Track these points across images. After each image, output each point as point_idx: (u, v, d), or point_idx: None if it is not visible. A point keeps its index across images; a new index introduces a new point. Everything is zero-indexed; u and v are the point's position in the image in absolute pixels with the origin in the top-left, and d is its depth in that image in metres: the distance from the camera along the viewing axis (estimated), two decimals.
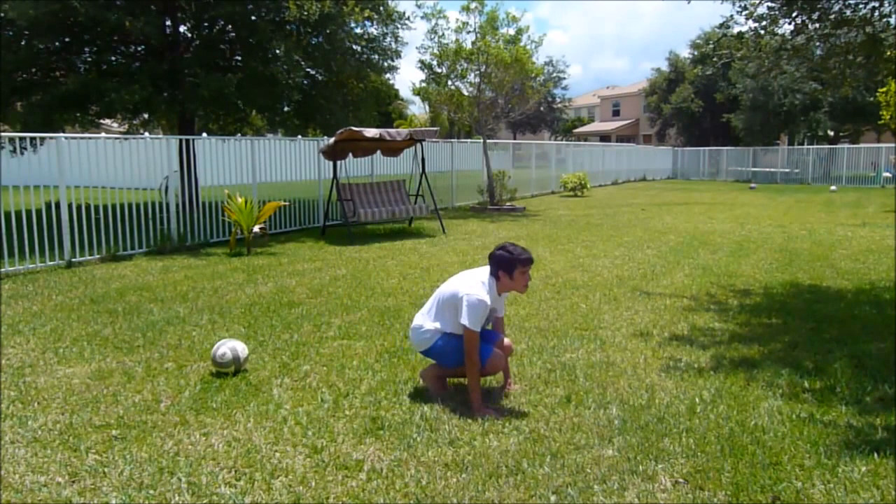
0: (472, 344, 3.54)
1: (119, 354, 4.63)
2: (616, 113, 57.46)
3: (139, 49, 13.01)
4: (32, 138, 8.81)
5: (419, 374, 4.01)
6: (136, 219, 9.24)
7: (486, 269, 3.73)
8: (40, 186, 8.33)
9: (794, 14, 6.83)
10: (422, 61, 16.15)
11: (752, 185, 26.58)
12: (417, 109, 47.50)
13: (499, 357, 3.71)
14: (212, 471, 2.95)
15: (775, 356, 4.49)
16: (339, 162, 10.99)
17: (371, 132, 10.36)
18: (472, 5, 15.47)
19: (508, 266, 3.60)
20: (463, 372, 3.67)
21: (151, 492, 2.79)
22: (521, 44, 15.66)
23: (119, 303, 6.20)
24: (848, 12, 6.67)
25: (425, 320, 3.79)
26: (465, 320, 3.52)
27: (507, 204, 16.51)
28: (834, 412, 3.54)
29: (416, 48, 29.83)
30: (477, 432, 3.31)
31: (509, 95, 16.58)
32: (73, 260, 8.22)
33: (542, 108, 48.75)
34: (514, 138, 48.80)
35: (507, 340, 3.98)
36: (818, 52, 7.43)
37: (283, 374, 4.20)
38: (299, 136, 13.27)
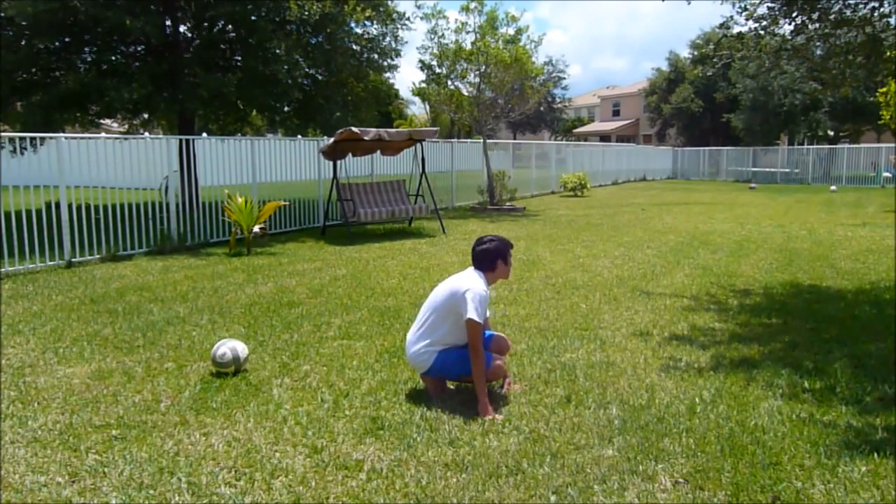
0: (478, 336, 3.53)
1: (119, 354, 4.63)
2: (616, 113, 57.45)
3: (139, 48, 13.01)
4: (32, 138, 8.81)
5: (420, 374, 4.00)
6: (136, 219, 9.24)
7: (470, 269, 3.81)
8: (40, 186, 8.33)
9: (794, 14, 6.83)
10: (422, 61, 16.15)
11: (752, 185, 26.57)
12: (417, 109, 47.57)
13: (499, 366, 3.73)
14: (212, 471, 2.95)
15: (775, 356, 4.49)
16: (339, 162, 10.99)
17: (371, 132, 10.36)
18: (472, 5, 15.47)
19: (503, 253, 3.77)
20: (468, 379, 3.66)
21: (151, 492, 2.79)
22: (521, 44, 15.66)
23: (119, 303, 6.20)
24: (848, 12, 6.67)
25: (420, 340, 3.76)
26: (471, 314, 3.52)
27: (507, 204, 16.52)
28: (834, 412, 3.54)
29: (416, 48, 29.83)
30: (477, 432, 3.31)
31: (509, 95, 16.58)
32: (73, 260, 8.22)
33: (542, 108, 48.76)
34: (514, 138, 48.82)
35: (501, 336, 4.00)
36: (818, 52, 7.42)
37: (283, 374, 4.20)
38: (299, 136, 13.27)
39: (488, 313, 4.02)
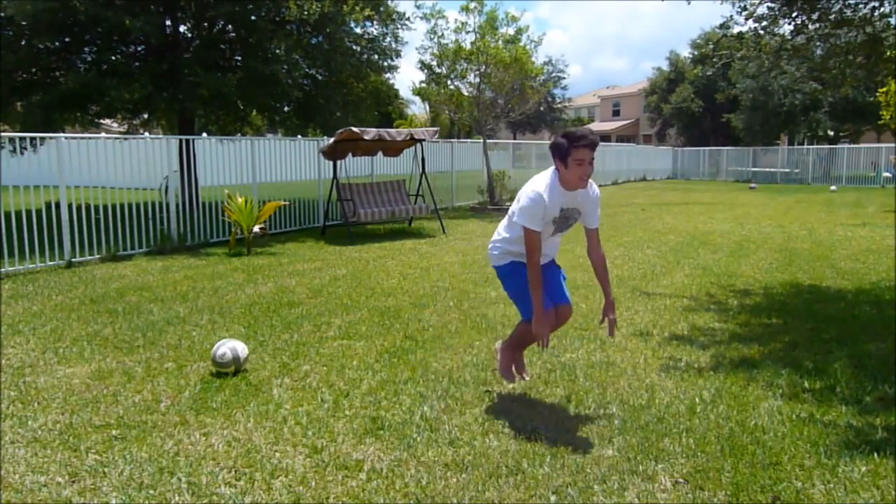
0: (530, 244, 3.21)
1: (119, 354, 4.63)
2: (616, 113, 57.45)
3: (139, 48, 13.02)
4: (32, 138, 8.81)
5: (494, 346, 3.60)
6: (136, 219, 9.24)
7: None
8: (40, 186, 8.33)
9: (794, 14, 6.83)
10: (422, 61, 16.16)
11: (752, 185, 26.56)
12: (417, 109, 47.60)
13: (547, 325, 3.34)
14: (212, 471, 2.95)
15: (775, 356, 4.48)
16: (339, 162, 10.99)
17: (371, 132, 10.36)
18: (472, 5, 15.46)
19: (563, 152, 3.13)
20: (527, 337, 3.45)
21: (151, 492, 2.79)
22: (521, 44, 15.66)
23: (119, 303, 6.20)
24: (848, 12, 6.67)
25: (500, 230, 3.52)
26: (516, 216, 3.24)
27: (508, 204, 16.50)
28: (834, 412, 3.54)
29: (416, 48, 29.87)
30: (477, 432, 3.31)
31: (509, 95, 16.58)
32: (73, 260, 8.22)
33: (542, 108, 48.72)
34: (514, 138, 48.80)
35: (565, 306, 3.60)
36: (818, 52, 7.43)
37: (283, 374, 4.20)
38: (299, 136, 13.27)
39: (597, 223, 3.55)
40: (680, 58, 43.00)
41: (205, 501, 2.72)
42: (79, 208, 8.42)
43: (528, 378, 3.89)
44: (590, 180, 3.31)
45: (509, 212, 3.46)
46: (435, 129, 12.35)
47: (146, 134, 12.60)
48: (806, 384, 3.94)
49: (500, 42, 15.46)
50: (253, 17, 11.93)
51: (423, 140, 11.61)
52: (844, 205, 17.02)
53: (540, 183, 3.24)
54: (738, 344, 4.78)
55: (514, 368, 3.77)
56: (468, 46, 15.52)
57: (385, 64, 14.68)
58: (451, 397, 3.77)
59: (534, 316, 3.32)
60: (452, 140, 19.10)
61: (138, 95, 10.98)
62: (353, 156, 11.79)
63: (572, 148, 3.09)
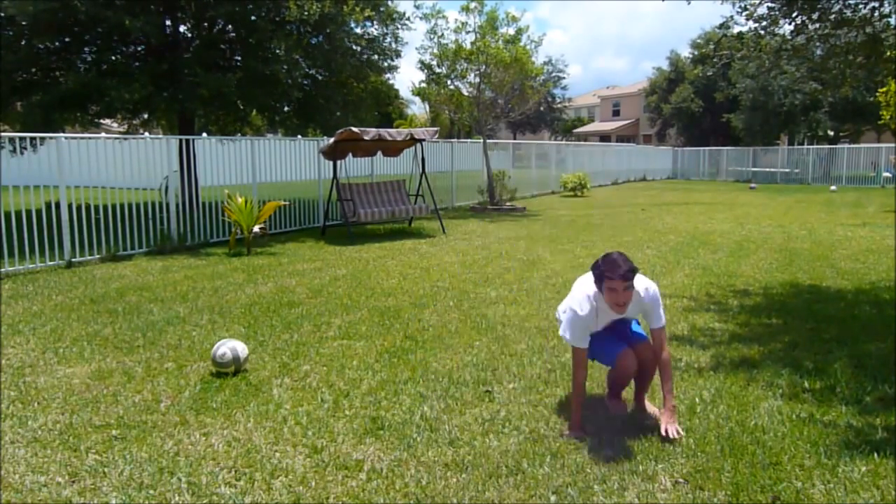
0: (574, 360, 3.33)
1: (119, 354, 4.63)
2: (616, 113, 57.45)
3: (139, 48, 13.02)
4: (32, 138, 8.81)
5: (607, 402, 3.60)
6: (136, 219, 9.25)
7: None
8: (40, 186, 8.33)
9: (794, 14, 6.83)
10: (422, 61, 16.15)
11: (752, 185, 26.56)
12: (417, 109, 47.65)
13: (628, 357, 3.30)
14: (212, 471, 2.95)
15: (775, 356, 4.49)
16: (339, 162, 11.00)
17: (371, 132, 10.36)
18: (472, 5, 15.46)
19: (599, 277, 3.22)
20: (620, 380, 3.46)
21: (151, 492, 2.79)
22: (521, 44, 15.66)
23: (119, 303, 6.20)
24: (848, 12, 6.67)
25: (561, 310, 3.54)
26: (561, 330, 3.32)
27: (507, 204, 16.51)
28: (834, 412, 3.54)
29: (416, 49, 29.84)
30: (477, 432, 3.31)
31: (509, 95, 16.58)
32: (73, 260, 8.22)
33: (542, 108, 48.79)
34: (514, 138, 48.82)
35: (645, 345, 3.42)
36: (818, 52, 7.42)
37: (283, 374, 4.20)
38: (299, 136, 13.27)
39: (663, 321, 3.38)
40: (680, 58, 43.00)
41: (205, 501, 2.72)
42: (79, 208, 8.42)
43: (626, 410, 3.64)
44: (644, 280, 3.31)
45: (567, 302, 3.42)
46: (435, 129, 12.34)
47: (146, 134, 12.60)
48: (806, 384, 3.94)
49: (500, 42, 15.46)
50: (253, 17, 11.92)
51: (423, 140, 11.61)
52: (844, 205, 17.02)
53: (582, 301, 3.25)
54: (738, 344, 4.79)
55: (622, 402, 3.66)
56: (468, 46, 15.52)
57: (385, 64, 14.67)
58: (451, 397, 3.77)
59: (572, 420, 3.33)
60: (452, 140, 19.11)
61: (138, 95, 10.98)
62: (353, 156, 11.80)
63: (605, 278, 3.14)
